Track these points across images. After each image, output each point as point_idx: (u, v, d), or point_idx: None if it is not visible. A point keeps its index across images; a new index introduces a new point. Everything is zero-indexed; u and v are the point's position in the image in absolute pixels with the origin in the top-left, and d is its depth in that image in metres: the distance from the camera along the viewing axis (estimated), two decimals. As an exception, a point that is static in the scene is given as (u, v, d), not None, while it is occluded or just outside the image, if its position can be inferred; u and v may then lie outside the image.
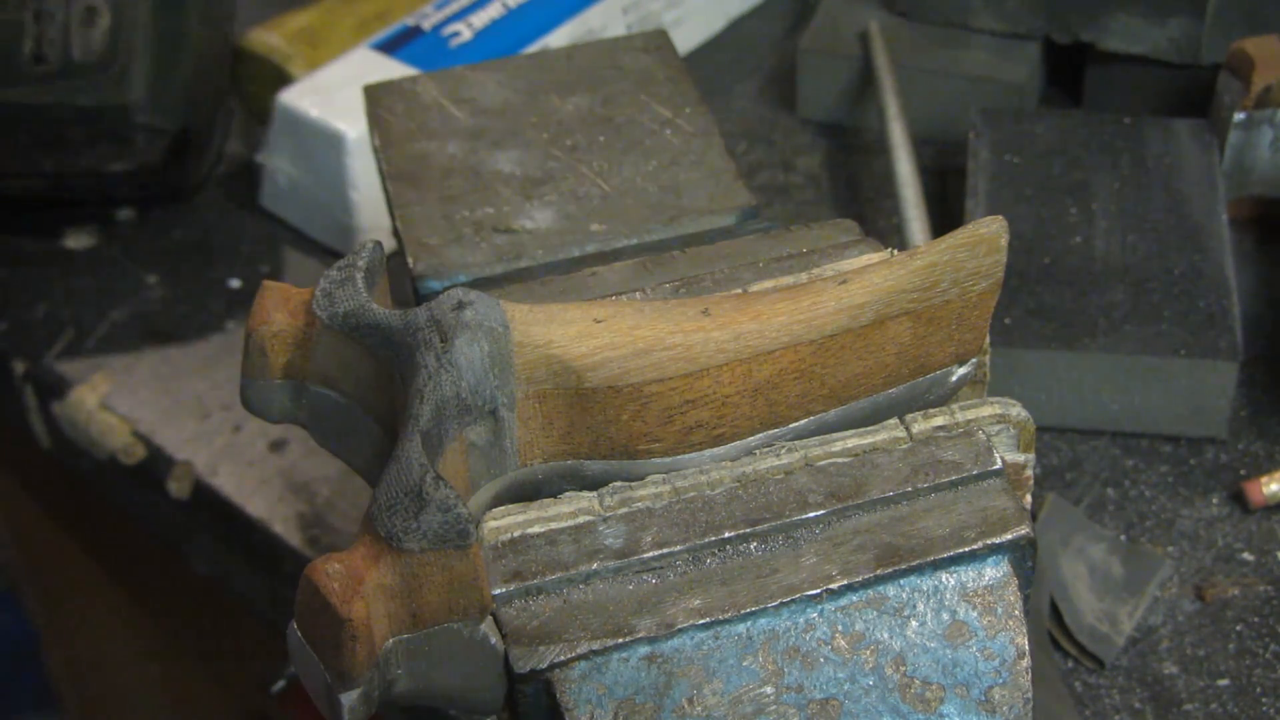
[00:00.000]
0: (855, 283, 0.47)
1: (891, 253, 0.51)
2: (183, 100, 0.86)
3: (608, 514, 0.45)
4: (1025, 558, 0.45)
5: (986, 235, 0.47)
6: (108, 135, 0.84)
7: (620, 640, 0.43)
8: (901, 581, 0.45)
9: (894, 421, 0.48)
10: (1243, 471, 0.73)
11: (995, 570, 0.45)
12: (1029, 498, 0.50)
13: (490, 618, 0.42)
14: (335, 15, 0.95)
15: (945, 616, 0.45)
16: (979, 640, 0.45)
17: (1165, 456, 0.74)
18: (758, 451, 0.47)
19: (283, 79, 0.91)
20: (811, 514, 0.45)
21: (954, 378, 0.49)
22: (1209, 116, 0.84)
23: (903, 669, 0.44)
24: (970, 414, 0.48)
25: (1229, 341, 0.72)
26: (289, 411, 0.48)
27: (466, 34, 0.90)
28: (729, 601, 0.43)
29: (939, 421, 0.48)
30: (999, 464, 0.47)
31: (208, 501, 0.78)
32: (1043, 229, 0.79)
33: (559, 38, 0.91)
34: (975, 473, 0.47)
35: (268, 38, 0.93)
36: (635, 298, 0.51)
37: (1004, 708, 0.44)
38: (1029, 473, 0.50)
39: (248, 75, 0.95)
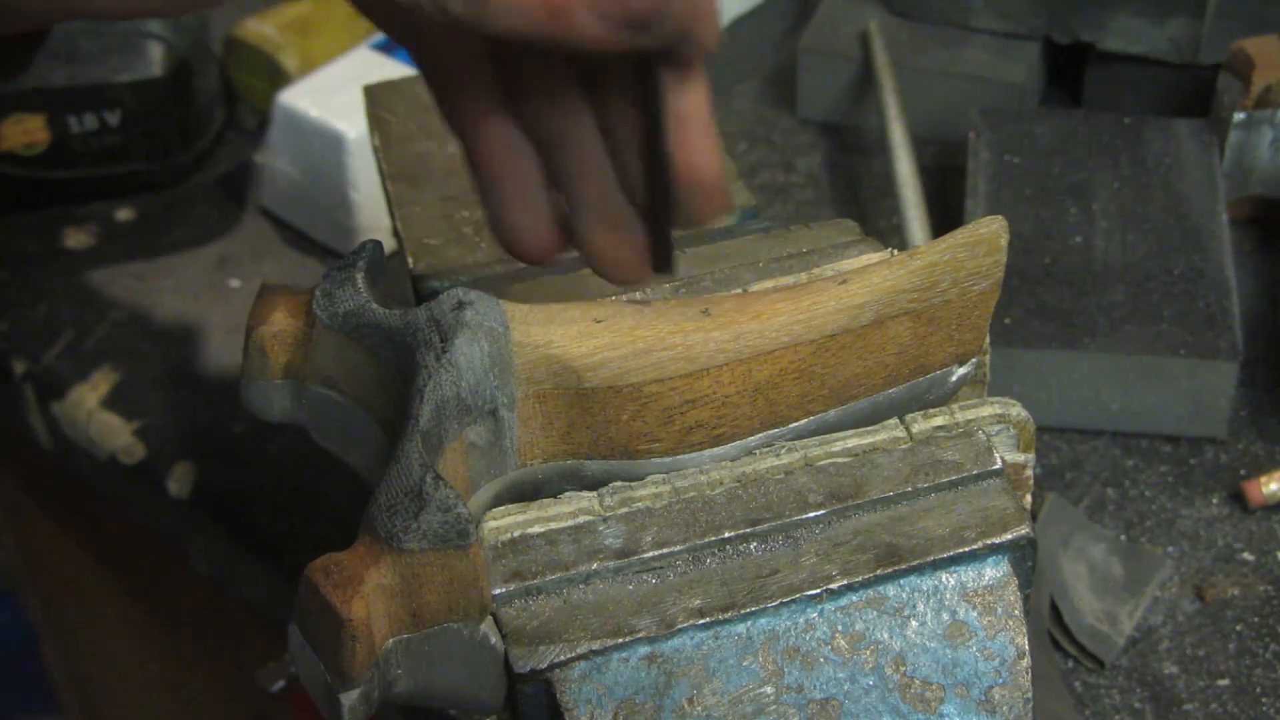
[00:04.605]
0: (855, 283, 0.47)
1: (891, 253, 0.51)
2: (195, 26, 0.89)
3: (608, 514, 0.45)
4: (1025, 558, 0.45)
5: (986, 235, 0.47)
6: (118, 47, 0.86)
7: (620, 640, 0.43)
8: (901, 581, 0.45)
9: (894, 421, 0.48)
10: (1243, 471, 0.73)
11: (995, 570, 0.45)
12: (1029, 498, 0.50)
13: (490, 618, 0.42)
14: (328, 5, 0.96)
15: (945, 616, 0.45)
16: (979, 640, 0.45)
17: (1165, 456, 0.74)
18: (758, 451, 0.47)
19: (275, 69, 0.92)
20: (811, 514, 0.45)
21: (954, 378, 0.49)
22: (1209, 116, 0.84)
23: (903, 669, 0.44)
24: (970, 414, 0.48)
25: (1229, 341, 0.72)
26: (289, 411, 0.48)
27: (466, 34, 0.90)
28: (729, 601, 0.43)
29: (939, 421, 0.48)
30: (999, 464, 0.47)
31: (208, 501, 0.78)
32: (1043, 229, 0.79)
33: (559, 38, 0.91)
34: (975, 473, 0.47)
35: (260, 27, 0.93)
36: (635, 297, 0.51)
37: (1004, 708, 0.44)
38: (1029, 473, 0.50)
39: (240, 65, 0.95)
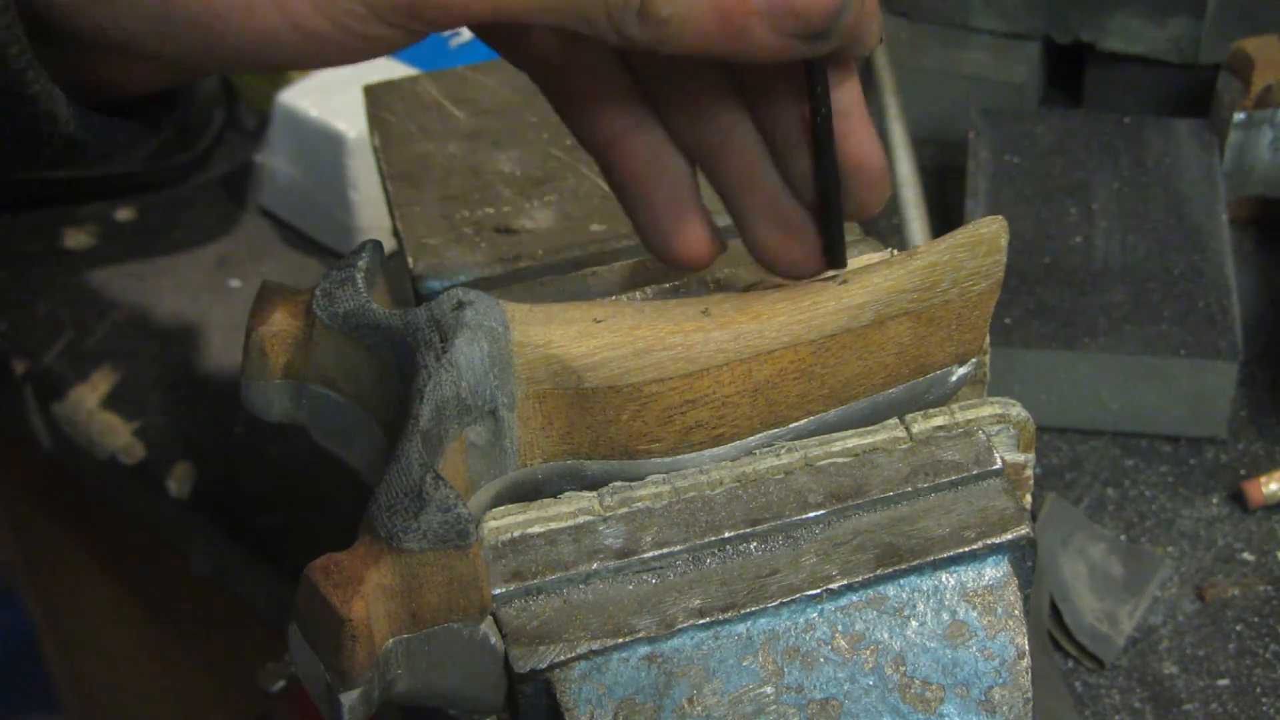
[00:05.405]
0: (855, 283, 0.47)
1: (891, 253, 0.51)
2: None
3: (608, 514, 0.45)
4: (1025, 558, 0.45)
5: (986, 235, 0.47)
6: None
7: (620, 640, 0.43)
8: (901, 581, 0.45)
9: (894, 421, 0.48)
10: (1243, 471, 0.73)
11: (995, 570, 0.45)
12: (1029, 498, 0.50)
13: (490, 618, 0.42)
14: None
15: (945, 616, 0.45)
16: (979, 640, 0.45)
17: (1165, 456, 0.74)
18: (758, 451, 0.47)
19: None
20: (811, 514, 0.45)
21: (954, 378, 0.49)
22: (1209, 116, 0.84)
23: (903, 669, 0.44)
24: (970, 414, 0.48)
25: (1229, 341, 0.72)
26: (289, 411, 0.48)
27: (467, 34, 0.90)
28: (729, 601, 0.43)
29: (939, 421, 0.48)
30: (999, 464, 0.47)
31: (208, 501, 0.78)
32: (1043, 229, 0.79)
33: (559, 38, 0.91)
34: (975, 473, 0.47)
35: None
36: (635, 298, 0.51)
37: (1004, 708, 0.44)
38: (1029, 473, 0.50)
39: None
